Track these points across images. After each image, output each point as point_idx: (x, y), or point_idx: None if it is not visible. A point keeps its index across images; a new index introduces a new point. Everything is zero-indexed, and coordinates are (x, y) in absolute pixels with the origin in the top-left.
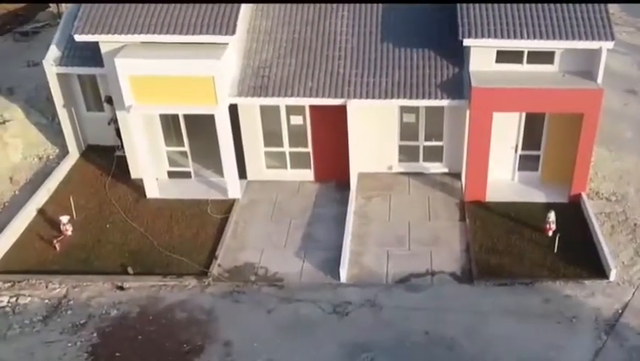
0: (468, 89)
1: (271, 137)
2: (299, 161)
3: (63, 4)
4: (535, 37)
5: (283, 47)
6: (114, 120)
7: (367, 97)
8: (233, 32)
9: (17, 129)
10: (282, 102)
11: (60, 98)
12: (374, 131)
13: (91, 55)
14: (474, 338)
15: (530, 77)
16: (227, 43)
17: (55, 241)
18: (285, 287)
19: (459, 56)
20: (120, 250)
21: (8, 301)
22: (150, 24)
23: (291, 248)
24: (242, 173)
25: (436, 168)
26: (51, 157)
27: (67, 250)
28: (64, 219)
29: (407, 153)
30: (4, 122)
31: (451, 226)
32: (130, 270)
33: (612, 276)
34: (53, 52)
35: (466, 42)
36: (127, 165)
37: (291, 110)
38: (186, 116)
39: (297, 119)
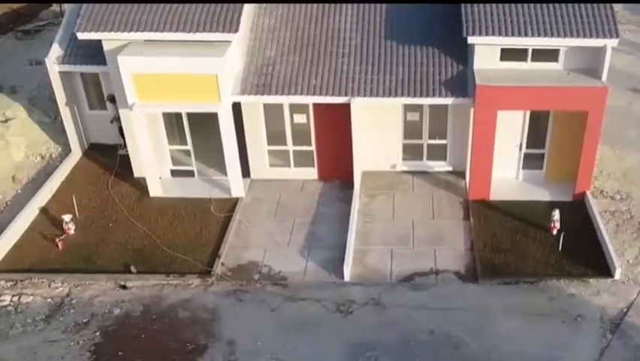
0: (472, 87)
1: (274, 135)
2: (302, 159)
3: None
4: (539, 35)
5: (286, 44)
6: (117, 119)
7: (371, 95)
8: (237, 30)
9: (20, 128)
10: (286, 100)
11: (63, 97)
12: (378, 130)
13: (93, 53)
14: (479, 337)
15: (535, 75)
16: (230, 41)
17: (57, 240)
18: (288, 286)
19: (463, 54)
20: (123, 249)
21: (11, 300)
22: (153, 21)
23: (294, 247)
24: (245, 171)
25: (440, 166)
26: (53, 156)
27: (69, 249)
28: (67, 217)
29: (411, 152)
30: (6, 121)
31: (455, 224)
32: (133, 269)
33: (617, 275)
34: (56, 50)
35: (471, 40)
36: (130, 164)
37: (295, 108)
38: (189, 115)
39: (300, 118)
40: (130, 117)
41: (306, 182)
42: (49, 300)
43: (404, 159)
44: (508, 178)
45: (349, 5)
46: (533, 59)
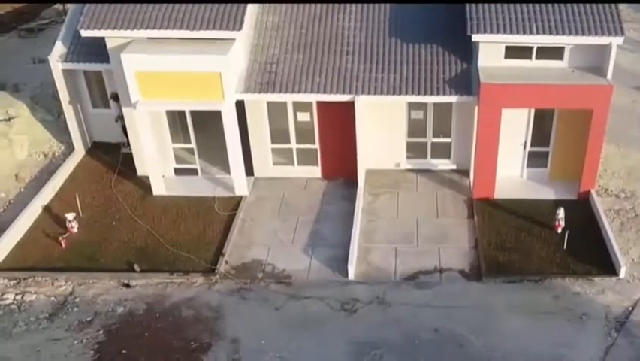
0: (477, 85)
1: (278, 133)
2: (306, 158)
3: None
4: (544, 33)
5: (290, 42)
6: (121, 117)
7: (375, 93)
8: (241, 28)
9: (23, 126)
10: (290, 98)
11: (66, 95)
12: (382, 128)
13: (97, 51)
14: (483, 335)
15: (539, 72)
16: (234, 39)
17: (60, 239)
18: (292, 284)
19: (467, 52)
20: (126, 248)
21: (14, 299)
22: (157, 19)
23: (298, 245)
24: (249, 170)
25: (444, 164)
26: (57, 154)
27: (73, 248)
28: (70, 216)
29: (415, 150)
30: (9, 119)
31: (460, 222)
32: (136, 267)
33: (622, 273)
34: (59, 48)
35: (475, 37)
36: (133, 162)
37: (299, 106)
38: (193, 113)
39: (304, 116)
40: (133, 115)
41: (310, 180)
42: (52, 298)
43: (408, 157)
44: (512, 176)
45: (353, 3)
46: (538, 57)
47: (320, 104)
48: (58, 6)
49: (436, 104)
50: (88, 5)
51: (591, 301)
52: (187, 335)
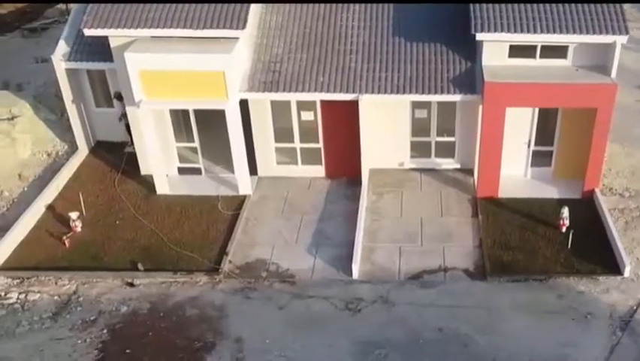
0: (481, 84)
1: (282, 133)
2: (310, 157)
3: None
4: (548, 32)
5: (294, 41)
6: (124, 116)
7: (379, 92)
8: (244, 27)
9: (26, 125)
10: (293, 97)
11: (69, 94)
12: (385, 127)
13: (100, 50)
14: (487, 335)
15: (543, 71)
16: (237, 38)
17: (64, 238)
18: (296, 283)
19: (471, 51)
20: (130, 247)
21: (17, 298)
22: (160, 18)
23: (302, 244)
24: (252, 169)
25: (448, 164)
26: (60, 153)
27: (76, 247)
28: (74, 215)
29: (419, 149)
30: (12, 119)
31: (464, 222)
32: (140, 266)
33: (626, 272)
34: (62, 47)
35: (479, 36)
36: (137, 162)
37: (302, 105)
38: (197, 112)
39: (308, 115)
40: (137, 115)
41: (314, 179)
42: (56, 298)
43: (412, 156)
44: (516, 175)
45: (357, 3)
46: (542, 56)
47: (324, 103)
48: (62, 5)
49: (440, 103)
50: (91, 4)
51: (596, 300)
52: (191, 335)
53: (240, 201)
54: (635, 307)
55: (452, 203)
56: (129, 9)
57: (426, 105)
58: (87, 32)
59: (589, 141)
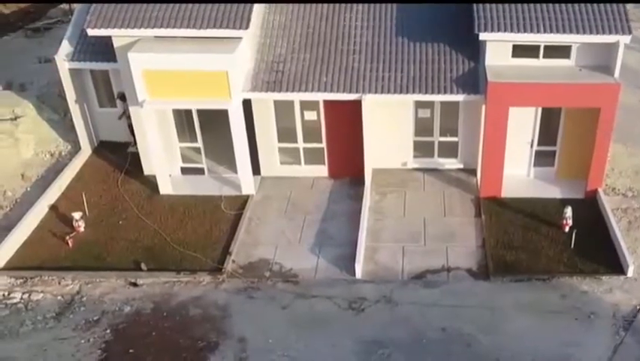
0: (484, 84)
1: (285, 132)
2: (313, 157)
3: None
4: (551, 31)
5: (297, 41)
6: (127, 116)
7: (382, 92)
8: (247, 26)
9: (29, 125)
10: (296, 97)
11: (72, 94)
12: (388, 127)
13: (103, 50)
14: (491, 335)
15: (547, 71)
16: (241, 38)
17: (67, 238)
18: (299, 283)
19: (475, 51)
20: (133, 247)
21: (21, 298)
22: (164, 18)
23: (305, 244)
24: (255, 169)
25: (451, 163)
26: (63, 153)
27: (79, 247)
28: (77, 215)
29: (422, 149)
30: (15, 119)
31: (467, 221)
32: (143, 266)
33: (630, 272)
34: (65, 47)
35: (482, 36)
36: (140, 162)
37: (305, 105)
38: (200, 112)
39: (311, 115)
40: (140, 115)
41: (317, 179)
42: (59, 297)
43: (415, 156)
44: (519, 175)
45: (360, 3)
46: (545, 56)
47: (327, 103)
48: (65, 5)
49: (443, 103)
50: (94, 4)
51: (599, 300)
52: (194, 334)
53: (243, 201)
54: (638, 307)
55: (455, 203)
56: (132, 9)
57: (429, 105)
58: (90, 32)
59: (592, 141)
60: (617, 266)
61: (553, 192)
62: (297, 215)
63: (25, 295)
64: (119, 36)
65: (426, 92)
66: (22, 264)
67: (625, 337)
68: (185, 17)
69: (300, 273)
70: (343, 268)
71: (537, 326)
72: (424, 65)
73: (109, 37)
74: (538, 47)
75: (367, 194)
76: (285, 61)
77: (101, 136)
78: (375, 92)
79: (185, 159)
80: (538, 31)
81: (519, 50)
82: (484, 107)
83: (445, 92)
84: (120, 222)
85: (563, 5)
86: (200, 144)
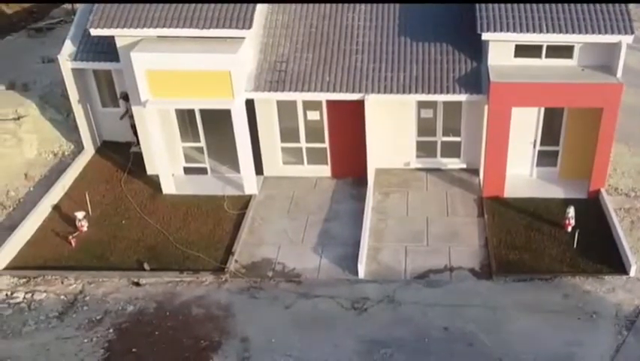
0: (486, 84)
1: (288, 132)
2: (316, 157)
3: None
4: (554, 31)
5: (300, 41)
6: (130, 116)
7: (385, 92)
8: (250, 26)
9: (32, 125)
10: (299, 97)
11: (75, 94)
12: (391, 127)
13: (106, 50)
14: (493, 334)
15: (549, 71)
16: (243, 38)
17: (70, 237)
18: (302, 283)
19: (477, 51)
20: (136, 246)
21: (24, 297)
22: (167, 18)
23: (308, 244)
24: (258, 169)
25: (453, 163)
26: (66, 153)
27: (82, 246)
28: (80, 215)
29: (425, 149)
30: (18, 118)
31: (470, 221)
32: (146, 266)
33: (632, 272)
34: (68, 47)
35: (485, 36)
36: (143, 161)
37: (308, 105)
38: (202, 112)
39: (313, 115)
40: (143, 114)
41: (320, 179)
42: (62, 297)
43: (418, 156)
44: (522, 175)
45: (362, 3)
46: (548, 56)
47: (330, 103)
48: (68, 5)
49: (445, 103)
50: (97, 4)
51: (601, 299)
52: (197, 334)
53: (245, 201)
54: None
55: (458, 203)
56: (135, 9)
57: (432, 105)
58: (93, 32)
59: (595, 141)
60: (619, 266)
61: (556, 192)
62: (299, 215)
63: (28, 295)
64: (122, 36)
65: (428, 92)
66: (25, 263)
67: (627, 336)
68: (188, 17)
69: (303, 273)
70: (346, 268)
71: (539, 325)
72: (426, 65)
73: (112, 37)
74: (540, 46)
75: (370, 194)
76: (288, 61)
77: (104, 136)
78: (378, 92)
79: (187, 158)
80: (541, 31)
81: (521, 50)
82: (486, 107)
83: (448, 92)
84: (123, 221)
85: (566, 5)
86: (202, 143)
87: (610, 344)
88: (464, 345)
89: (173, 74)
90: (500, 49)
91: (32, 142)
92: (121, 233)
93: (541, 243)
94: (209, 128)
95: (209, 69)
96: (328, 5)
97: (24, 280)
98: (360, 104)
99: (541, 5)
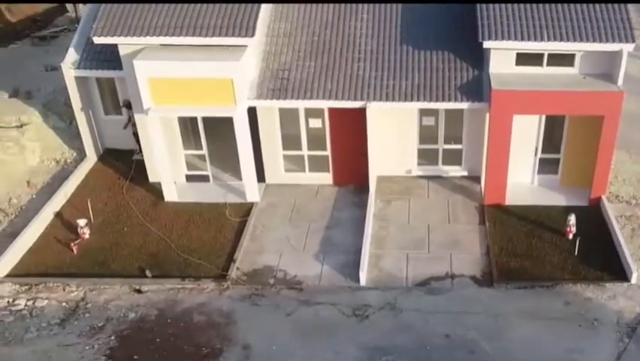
0: (488, 92)
1: (290, 140)
2: (317, 164)
3: (81, 8)
4: (555, 40)
5: (302, 49)
6: (132, 124)
7: (387, 100)
8: (253, 34)
9: (35, 133)
10: (301, 105)
11: (78, 102)
12: (393, 135)
13: (109, 58)
14: (495, 342)
15: (551, 79)
16: (246, 46)
17: (72, 244)
18: (304, 290)
19: (479, 59)
20: (138, 253)
21: (25, 305)
22: (169, 26)
23: (310, 251)
24: (260, 176)
25: (455, 171)
26: (68, 161)
27: (84, 253)
28: (82, 222)
29: (426, 157)
30: (21, 126)
31: (471, 229)
32: (148, 273)
33: (633, 279)
34: (72, 55)
35: (486, 44)
36: (145, 169)
37: (310, 112)
38: (205, 120)
39: (315, 122)
40: (145, 122)
41: (321, 187)
42: (64, 304)
43: (419, 163)
44: (523, 183)
45: (365, 10)
46: (549, 64)
47: (332, 110)
48: (72, 14)
49: (447, 111)
50: (101, 12)
51: (603, 306)
52: (198, 341)
53: (247, 209)
54: None
55: (459, 210)
56: (138, 17)
57: (433, 113)
58: (97, 40)
59: (596, 149)
60: (620, 273)
61: (557, 200)
62: (301, 222)
63: (30, 302)
64: (125, 44)
65: (430, 100)
66: (27, 271)
67: (629, 344)
68: (191, 25)
69: (305, 280)
70: (347, 275)
71: (541, 332)
72: (428, 73)
73: (115, 45)
74: (542, 55)
75: (372, 201)
76: (291, 68)
77: (107, 143)
78: (380, 100)
79: (190, 166)
80: (542, 40)
81: (523, 58)
82: (488, 114)
83: (450, 100)
84: (125, 229)
85: (567, 14)
86: (205, 151)
87: (611, 352)
88: (465, 353)
89: (175, 81)
90: (502, 57)
91: (35, 149)
92: (123, 240)
93: (543, 250)
94: (212, 136)
95: (212, 77)
96: (331, 13)
97: (26, 287)
98: (362, 111)
99: (542, 14)
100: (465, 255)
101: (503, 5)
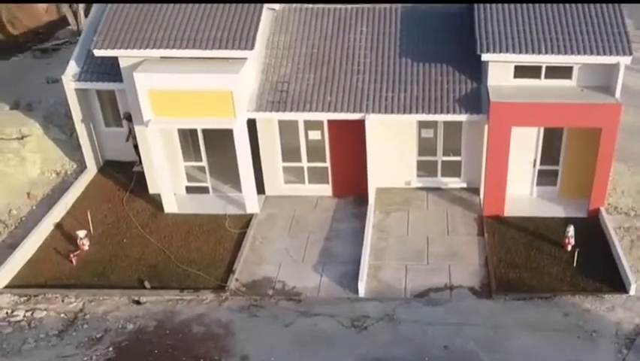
0: (486, 104)
1: (289, 152)
2: (317, 176)
3: (82, 21)
4: (553, 52)
5: (302, 61)
6: (133, 136)
7: (386, 112)
8: (252, 47)
9: (35, 145)
10: (301, 117)
11: (79, 114)
12: (392, 147)
13: (110, 70)
14: (493, 353)
15: (549, 91)
16: (246, 58)
17: (71, 256)
18: (302, 301)
19: (477, 71)
20: (137, 265)
21: (24, 316)
22: (169, 38)
23: (308, 263)
24: (260, 188)
25: (454, 183)
26: (69, 172)
27: (84, 265)
28: (81, 233)
29: (425, 168)
30: (22, 138)
31: (470, 240)
32: (147, 284)
33: (632, 290)
34: (72, 67)
35: (485, 57)
36: (145, 181)
37: (310, 125)
38: (204, 132)
39: (315, 134)
40: (145, 134)
41: (321, 198)
42: (62, 315)
43: (419, 175)
44: (522, 194)
45: (364, 22)
46: (547, 76)
47: (331, 122)
48: (73, 27)
49: (446, 123)
50: (101, 25)
51: (601, 318)
52: (197, 352)
53: (247, 220)
54: None
55: (458, 222)
56: (139, 30)
57: (432, 125)
58: (97, 53)
59: (594, 161)
60: (619, 285)
61: (556, 211)
62: (300, 234)
63: (29, 313)
64: (126, 56)
65: (429, 112)
66: (26, 282)
67: (627, 355)
68: (191, 38)
69: (303, 291)
70: (346, 286)
71: (539, 344)
72: (427, 86)
73: (115, 58)
74: (540, 67)
75: (371, 213)
76: (290, 81)
77: (107, 155)
78: (379, 112)
79: (189, 178)
80: (540, 53)
81: (521, 71)
82: (486, 126)
83: (448, 112)
84: (124, 240)
85: (565, 26)
86: (204, 163)
87: None
88: None
89: (175, 94)
90: (500, 69)
91: (35, 161)
92: (122, 252)
93: (541, 262)
94: (211, 148)
95: (212, 89)
96: (330, 26)
97: (24, 298)
98: (361, 123)
99: (540, 27)
100: (464, 266)
101: (502, 18)
